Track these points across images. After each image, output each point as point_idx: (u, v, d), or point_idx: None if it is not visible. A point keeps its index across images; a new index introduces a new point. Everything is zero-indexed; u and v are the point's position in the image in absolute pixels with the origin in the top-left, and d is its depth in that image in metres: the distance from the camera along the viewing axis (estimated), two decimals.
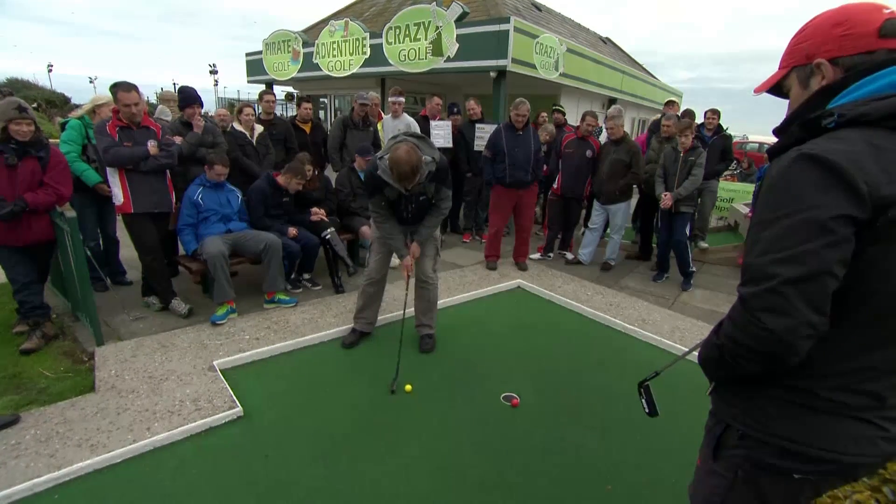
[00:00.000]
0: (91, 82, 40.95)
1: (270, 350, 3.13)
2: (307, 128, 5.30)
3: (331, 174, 5.16)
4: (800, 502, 1.03)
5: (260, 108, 4.86)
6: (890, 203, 0.79)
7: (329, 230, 4.20)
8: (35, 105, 16.10)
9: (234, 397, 2.58)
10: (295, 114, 5.48)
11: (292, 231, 3.96)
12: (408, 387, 2.81)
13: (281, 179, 3.97)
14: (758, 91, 1.06)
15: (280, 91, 12.39)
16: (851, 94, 0.87)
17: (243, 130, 4.43)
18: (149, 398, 2.53)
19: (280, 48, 9.79)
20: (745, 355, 0.91)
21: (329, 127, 5.88)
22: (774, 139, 1.00)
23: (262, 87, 11.01)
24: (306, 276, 4.30)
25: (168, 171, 3.54)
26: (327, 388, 2.80)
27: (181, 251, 4.29)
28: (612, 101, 10.33)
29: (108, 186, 3.41)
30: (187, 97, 4.03)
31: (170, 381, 2.70)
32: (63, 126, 3.68)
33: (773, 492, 1.02)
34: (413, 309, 3.42)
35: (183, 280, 4.17)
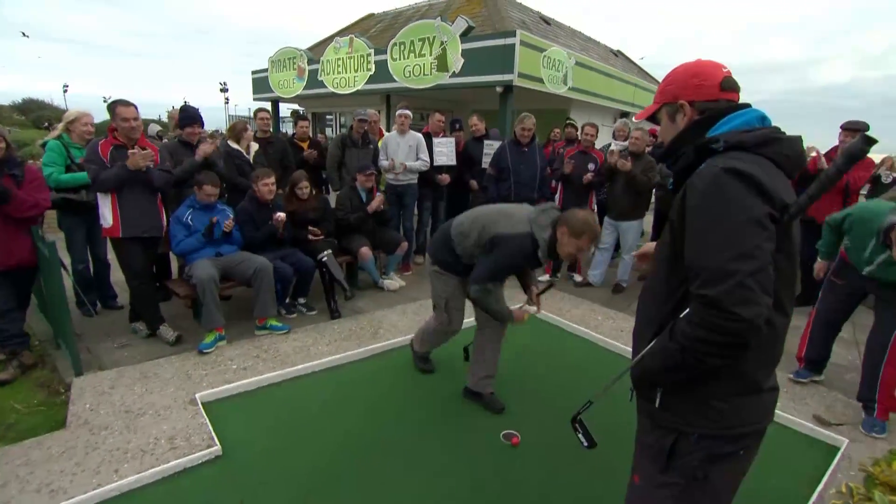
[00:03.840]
0: (105, 102, 42.25)
1: (257, 381, 3.03)
2: (305, 146, 5.27)
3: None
4: (744, 471, 1.24)
5: (255, 125, 4.84)
6: (786, 205, 1.05)
7: (326, 252, 4.13)
8: (47, 124, 16.51)
9: (214, 434, 2.46)
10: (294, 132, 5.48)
11: (280, 216, 3.84)
12: None
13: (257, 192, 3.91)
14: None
15: (286, 108, 12.55)
16: (720, 128, 1.16)
17: (239, 148, 4.40)
18: (122, 435, 2.43)
19: (285, 65, 9.91)
20: (715, 352, 1.03)
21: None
22: None
23: (269, 104, 11.19)
24: (301, 300, 4.21)
25: (160, 194, 3.50)
26: (315, 422, 2.67)
27: (174, 275, 4.29)
28: (624, 114, 10.23)
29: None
30: (188, 116, 4.02)
31: (147, 416, 2.60)
32: (44, 147, 3.66)
33: (721, 477, 1.19)
34: (474, 358, 2.98)
35: (176, 304, 4.11)
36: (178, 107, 5.16)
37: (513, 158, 4.60)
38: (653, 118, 1.33)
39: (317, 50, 10.24)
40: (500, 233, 2.46)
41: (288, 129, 14.37)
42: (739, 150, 1.09)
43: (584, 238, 2.36)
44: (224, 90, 37.97)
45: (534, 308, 2.83)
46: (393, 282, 4.92)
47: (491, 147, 5.29)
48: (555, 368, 3.43)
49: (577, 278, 5.38)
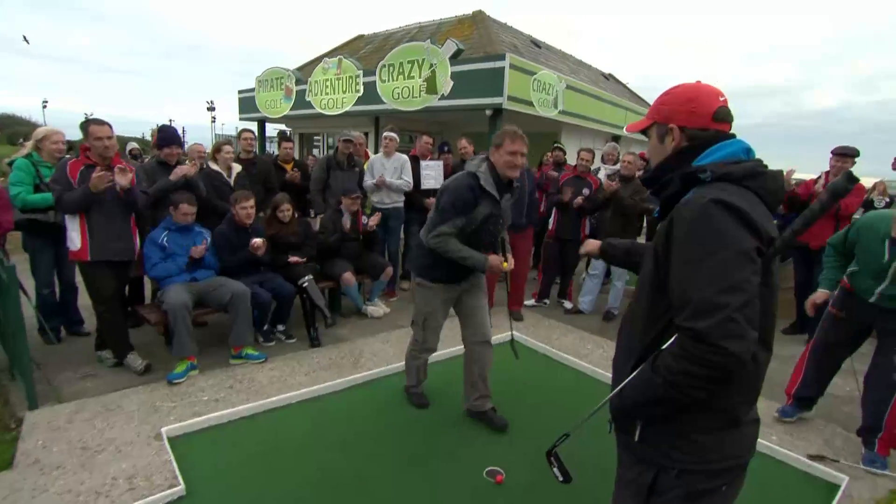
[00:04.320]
0: (86, 117, 42.43)
1: (230, 413, 2.91)
2: (289, 167, 5.25)
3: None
4: None
5: (239, 146, 4.81)
6: (771, 239, 1.08)
7: (307, 278, 4.07)
8: (21, 140, 16.38)
9: (178, 472, 2.34)
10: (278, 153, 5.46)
11: (256, 243, 3.77)
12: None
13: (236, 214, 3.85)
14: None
15: (272, 129, 12.60)
16: (707, 157, 1.17)
17: (219, 169, 4.35)
18: (76, 475, 2.30)
19: (273, 85, 9.99)
20: (699, 385, 1.04)
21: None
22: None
23: (255, 124, 11.22)
24: (280, 327, 4.13)
25: (134, 215, 3.43)
26: (288, 458, 2.56)
27: (147, 299, 4.18)
28: (615, 138, 10.38)
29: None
30: (166, 137, 3.96)
31: (106, 454, 2.47)
32: (11, 166, 3.58)
33: None
34: (464, 381, 3.01)
35: (148, 331, 3.99)
36: (165, 125, 5.13)
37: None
38: (645, 132, 1.35)
39: (305, 70, 10.34)
40: (445, 184, 2.66)
41: (275, 149, 14.39)
42: (726, 182, 1.11)
43: (506, 141, 2.49)
44: (211, 109, 38.24)
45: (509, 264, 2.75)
46: (377, 308, 4.85)
47: None
48: (542, 400, 3.36)
49: (568, 305, 5.34)
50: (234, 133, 33.29)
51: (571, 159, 6.79)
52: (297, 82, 9.51)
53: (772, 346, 1.20)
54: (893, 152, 5.59)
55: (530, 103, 7.22)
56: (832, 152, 4.32)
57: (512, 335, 3.22)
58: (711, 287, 1.00)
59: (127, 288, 3.85)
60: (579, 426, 1.40)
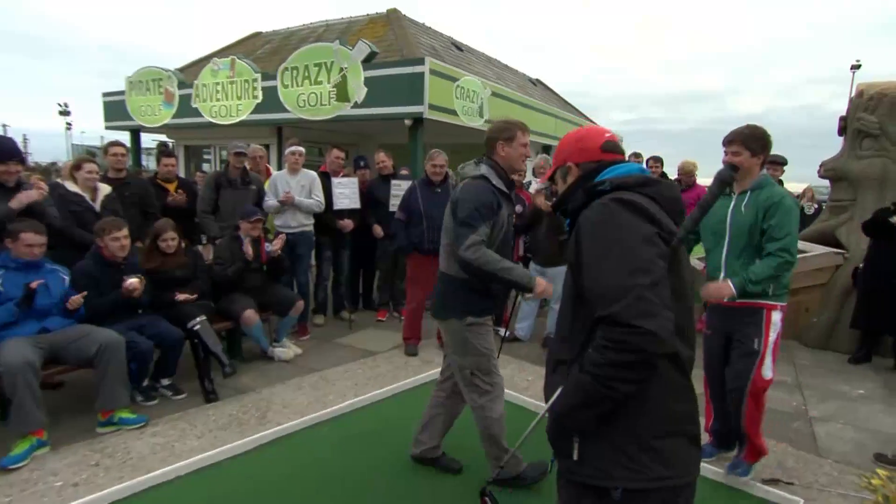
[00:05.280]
0: None
1: (95, 501, 2.62)
2: (171, 187, 5.01)
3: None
4: None
5: (106, 162, 4.50)
6: (672, 232, 1.29)
7: (198, 319, 3.88)
8: None
9: None
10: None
11: (130, 284, 3.50)
12: None
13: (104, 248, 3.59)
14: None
15: (150, 140, 11.93)
16: (605, 175, 1.44)
17: (79, 192, 4.02)
18: None
19: (149, 88, 9.49)
20: (624, 375, 1.17)
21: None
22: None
23: (128, 134, 10.56)
24: (165, 381, 3.86)
25: None
26: None
27: None
28: (546, 148, 10.88)
29: None
30: (2, 150, 3.59)
31: None
32: None
33: None
34: (424, 425, 2.97)
35: None
36: None
37: (424, 200, 4.65)
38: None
39: (189, 71, 9.92)
40: (456, 196, 2.61)
41: (154, 164, 13.61)
42: (623, 190, 1.36)
43: (518, 133, 2.60)
44: (65, 113, 35.51)
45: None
46: (286, 350, 4.71)
47: (399, 188, 5.36)
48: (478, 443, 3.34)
49: (503, 332, 5.41)
50: (99, 144, 31.10)
51: None
52: (180, 85, 9.10)
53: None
54: (818, 156, 6.33)
55: (454, 112, 7.38)
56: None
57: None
58: (620, 272, 1.19)
59: None
60: (510, 457, 1.61)
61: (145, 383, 3.74)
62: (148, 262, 3.93)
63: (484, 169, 2.62)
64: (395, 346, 5.08)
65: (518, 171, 2.79)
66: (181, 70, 10.03)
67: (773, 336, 2.77)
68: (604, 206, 1.30)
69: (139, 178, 4.94)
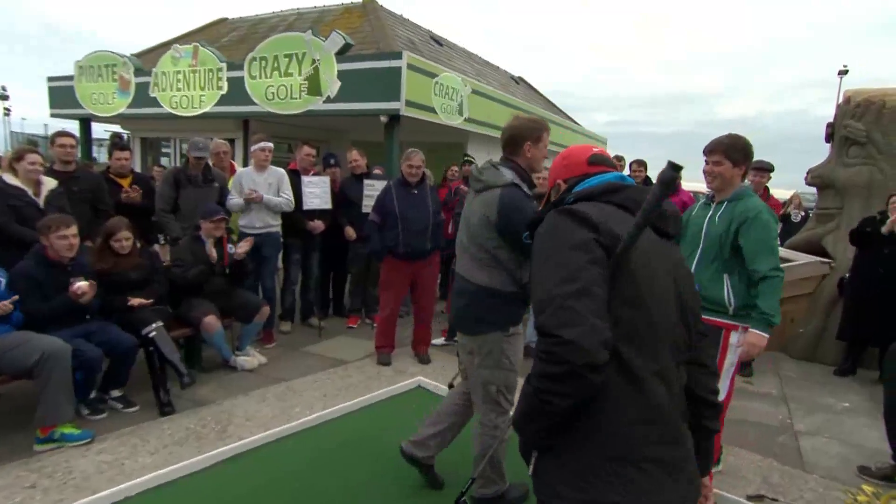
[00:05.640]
0: None
1: None
2: (125, 183, 4.91)
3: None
4: None
5: (52, 153, 4.39)
6: (619, 236, 1.25)
7: (154, 325, 3.80)
8: None
9: None
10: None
11: (78, 288, 3.40)
12: None
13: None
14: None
15: (103, 130, 11.66)
16: (579, 187, 1.50)
17: (20, 185, 3.90)
18: None
19: (101, 74, 9.28)
20: (557, 389, 1.17)
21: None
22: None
23: (77, 124, 10.31)
24: (116, 392, 3.77)
25: None
26: None
27: None
28: None
29: None
30: None
31: None
32: None
33: None
34: (431, 427, 2.91)
35: None
36: None
37: (400, 202, 4.63)
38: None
39: (147, 58, 9.74)
40: (502, 207, 2.48)
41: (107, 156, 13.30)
42: (586, 201, 1.39)
43: (544, 134, 2.59)
44: (3, 98, 34.45)
45: None
46: (250, 359, 4.65)
47: (373, 188, 5.36)
48: (458, 458, 3.25)
49: None
50: (43, 133, 30.22)
51: None
52: (137, 72, 8.93)
53: (660, 359, 1.27)
54: (807, 161, 6.50)
55: (432, 110, 7.38)
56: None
57: (450, 380, 3.18)
58: (549, 282, 1.23)
59: None
60: (480, 468, 1.66)
61: (93, 395, 3.65)
62: (99, 263, 3.83)
63: (511, 175, 2.56)
64: (367, 354, 5.04)
65: (538, 173, 2.75)
66: (138, 56, 9.83)
67: (730, 357, 2.80)
68: (549, 218, 1.36)
69: (89, 171, 4.82)
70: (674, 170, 1.19)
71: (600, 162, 1.56)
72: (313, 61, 7.04)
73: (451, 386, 3.16)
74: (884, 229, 4.74)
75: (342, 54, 6.99)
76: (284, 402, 3.98)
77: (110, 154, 4.98)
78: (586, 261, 1.22)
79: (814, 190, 6.68)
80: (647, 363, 1.25)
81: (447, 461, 2.98)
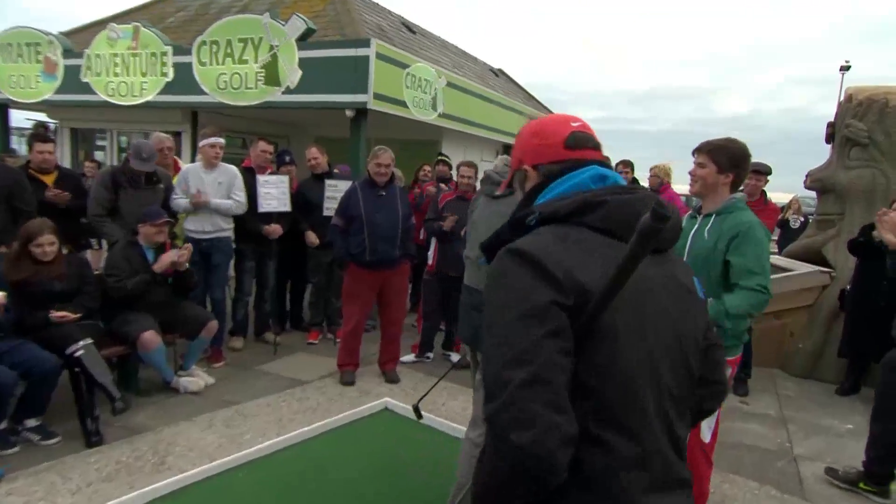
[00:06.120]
0: None
1: None
2: (49, 180, 4.77)
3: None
4: None
5: None
6: (589, 290, 1.04)
7: (81, 343, 3.69)
8: None
9: None
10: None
11: None
12: None
13: None
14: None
15: (24, 119, 11.34)
16: (547, 194, 1.27)
17: None
18: None
19: (22, 54, 9.08)
20: (508, 489, 1.04)
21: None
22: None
23: None
24: (32, 422, 3.62)
25: None
26: None
27: None
28: (507, 148, 10.97)
29: None
30: None
31: None
32: None
33: None
34: None
35: None
36: None
37: (366, 204, 4.60)
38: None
39: (78, 37, 9.55)
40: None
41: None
42: (553, 223, 1.18)
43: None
44: None
45: None
46: (195, 380, 4.57)
47: (335, 188, 5.34)
48: (429, 487, 3.29)
49: (455, 358, 5.41)
50: None
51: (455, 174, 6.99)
52: (66, 53, 8.73)
53: (642, 434, 1.10)
54: (803, 163, 6.59)
55: (403, 103, 7.34)
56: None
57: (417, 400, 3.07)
58: (497, 359, 1.05)
59: None
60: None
61: (3, 425, 3.49)
62: (16, 271, 3.69)
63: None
64: (328, 373, 5.01)
65: None
66: (67, 35, 9.61)
67: None
68: (498, 262, 1.14)
69: (6, 166, 4.63)
70: (655, 220, 0.93)
71: (581, 144, 1.30)
72: (271, 47, 6.96)
73: (416, 409, 3.05)
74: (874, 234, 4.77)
75: (304, 40, 6.92)
76: (233, 428, 3.91)
77: (30, 147, 4.81)
78: (541, 335, 1.02)
79: (814, 194, 6.80)
80: (630, 446, 1.08)
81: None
